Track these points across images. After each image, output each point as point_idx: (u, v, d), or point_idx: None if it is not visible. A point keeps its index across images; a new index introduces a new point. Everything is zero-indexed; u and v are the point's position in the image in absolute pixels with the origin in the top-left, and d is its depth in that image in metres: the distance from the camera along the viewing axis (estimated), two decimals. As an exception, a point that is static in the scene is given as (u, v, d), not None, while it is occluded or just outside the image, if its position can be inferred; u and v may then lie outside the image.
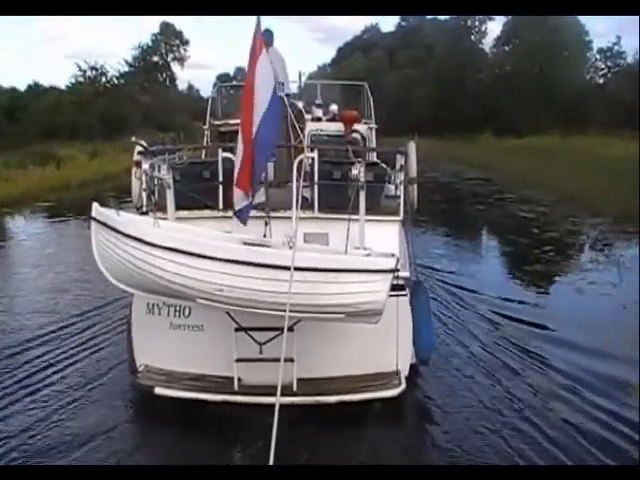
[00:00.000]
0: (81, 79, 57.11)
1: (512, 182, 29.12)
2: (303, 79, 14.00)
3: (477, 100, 57.51)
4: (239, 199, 6.29)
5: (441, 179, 31.57)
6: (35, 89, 56.80)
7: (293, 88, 12.08)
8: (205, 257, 5.28)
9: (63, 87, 57.32)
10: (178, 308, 6.87)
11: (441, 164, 37.83)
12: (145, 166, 6.57)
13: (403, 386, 6.63)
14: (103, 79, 58.56)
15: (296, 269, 5.04)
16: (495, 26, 72.31)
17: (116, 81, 62.85)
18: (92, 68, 57.51)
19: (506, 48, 61.56)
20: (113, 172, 33.58)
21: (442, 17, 73.39)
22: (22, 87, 58.28)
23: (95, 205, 5.82)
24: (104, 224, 5.70)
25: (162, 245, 5.37)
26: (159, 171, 6.65)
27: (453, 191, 27.90)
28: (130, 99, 57.85)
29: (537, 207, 21.77)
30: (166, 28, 72.65)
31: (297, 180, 6.54)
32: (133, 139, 7.13)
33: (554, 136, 40.23)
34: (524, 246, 15.88)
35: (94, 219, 5.76)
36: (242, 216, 6.34)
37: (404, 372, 6.87)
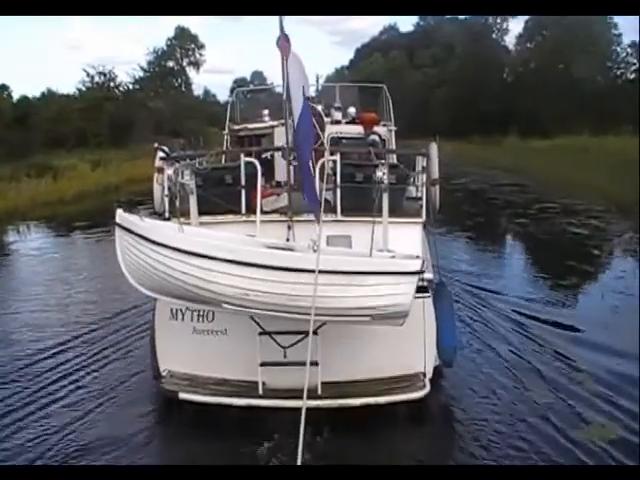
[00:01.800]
0: (89, 85, 56.73)
1: (550, 188, 27.02)
2: (321, 82, 14.00)
3: (500, 99, 56.34)
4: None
5: (470, 186, 29.75)
6: (49, 96, 56.25)
7: (311, 91, 12.11)
8: (231, 262, 5.39)
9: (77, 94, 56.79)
10: (201, 313, 7.07)
11: (467, 168, 36.84)
12: (169, 171, 6.66)
13: (428, 388, 6.78)
14: (111, 84, 58.00)
15: (323, 272, 5.13)
16: (514, 26, 71.30)
17: (130, 87, 62.33)
18: (100, 74, 56.98)
19: (528, 45, 60.64)
20: (114, 183, 32.93)
21: (461, 16, 72.94)
22: (38, 95, 57.36)
23: (119, 211, 5.94)
24: (128, 230, 5.82)
25: (187, 250, 5.48)
26: (182, 176, 6.68)
27: (486, 200, 25.56)
28: (141, 105, 57.67)
29: (587, 220, 19.29)
30: (181, 32, 72.73)
31: (320, 183, 6.57)
32: (156, 145, 7.32)
33: (583, 136, 38.84)
34: (588, 277, 13.35)
35: (118, 225, 5.89)
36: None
37: (428, 374, 7.02)
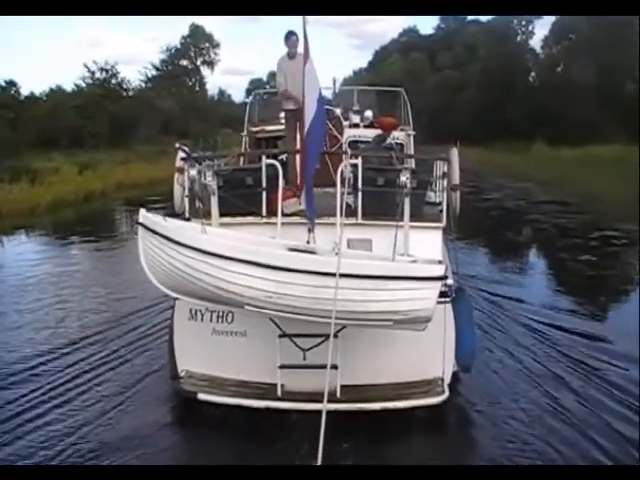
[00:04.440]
0: (89, 81, 56.15)
1: (598, 208, 23.91)
2: (338, 85, 14.06)
3: (527, 104, 55.53)
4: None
5: (506, 203, 27.17)
6: (58, 93, 56.05)
7: (327, 94, 12.17)
8: (255, 264, 5.51)
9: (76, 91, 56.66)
10: (221, 314, 7.33)
11: (497, 179, 35.81)
12: (192, 172, 6.79)
13: (446, 394, 7.04)
14: (113, 81, 57.40)
15: (346, 276, 5.21)
16: (539, 29, 71.32)
17: (143, 85, 61.87)
18: (102, 69, 56.40)
19: (554, 50, 60.45)
20: (98, 189, 30.15)
21: (483, 19, 73.86)
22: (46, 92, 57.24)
23: (142, 211, 6.08)
24: (152, 230, 5.94)
25: (211, 251, 5.59)
26: (204, 177, 6.76)
27: (530, 224, 22.06)
28: (148, 104, 57.05)
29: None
30: (195, 30, 72.72)
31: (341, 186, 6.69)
32: (177, 145, 7.43)
33: (617, 144, 38.17)
34: None
35: (141, 225, 5.99)
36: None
37: (447, 379, 7.27)
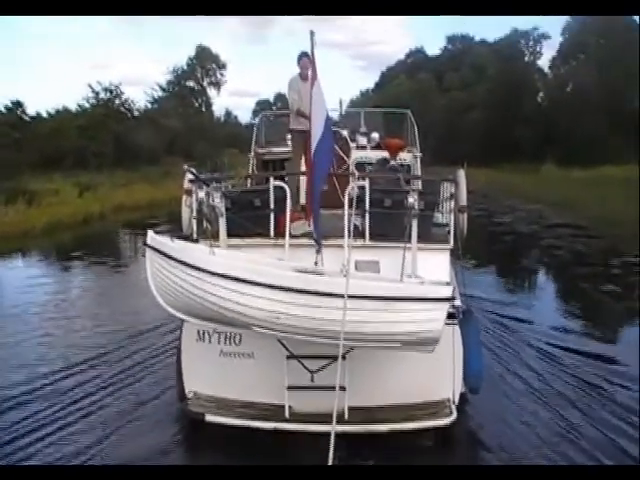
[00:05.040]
0: (93, 101, 56.49)
1: (614, 232, 23.10)
2: (344, 106, 14.19)
3: (535, 125, 55.80)
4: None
5: (519, 227, 26.52)
6: (64, 114, 56.38)
7: (334, 116, 12.28)
8: (263, 285, 5.59)
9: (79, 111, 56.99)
10: (228, 335, 7.43)
11: (507, 201, 35.78)
12: (201, 194, 6.89)
13: (454, 415, 7.07)
14: (117, 101, 57.79)
15: (354, 297, 5.28)
16: (547, 49, 72.09)
17: (149, 106, 62.17)
18: (106, 90, 56.72)
19: (562, 70, 60.84)
20: (99, 211, 29.72)
21: (490, 39, 75.42)
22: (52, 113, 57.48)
23: (150, 232, 6.13)
24: (159, 251, 6.03)
25: (219, 273, 5.66)
26: (212, 199, 6.86)
27: (545, 250, 21.20)
28: (152, 123, 57.51)
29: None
30: (202, 51, 73.43)
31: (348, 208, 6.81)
32: (185, 167, 7.51)
33: (629, 165, 37.91)
34: None
35: (149, 246, 6.09)
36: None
37: (455, 401, 7.31)
